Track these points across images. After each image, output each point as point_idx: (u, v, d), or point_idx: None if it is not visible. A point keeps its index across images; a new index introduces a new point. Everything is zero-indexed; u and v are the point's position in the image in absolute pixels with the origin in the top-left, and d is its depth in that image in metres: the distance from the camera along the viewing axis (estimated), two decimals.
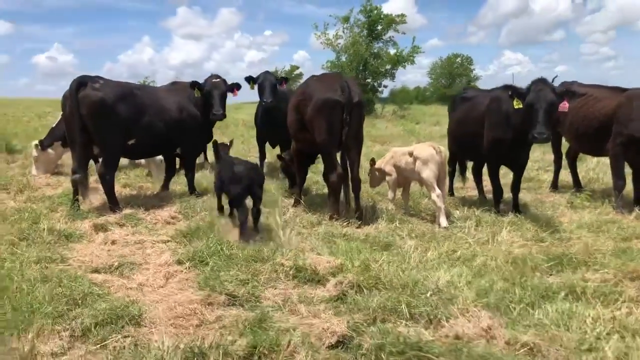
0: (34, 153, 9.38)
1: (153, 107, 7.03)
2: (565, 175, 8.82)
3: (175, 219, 6.41)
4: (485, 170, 7.43)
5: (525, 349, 3.22)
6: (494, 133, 6.54)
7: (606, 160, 7.80)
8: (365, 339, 3.28)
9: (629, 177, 7.20)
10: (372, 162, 7.12)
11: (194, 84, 7.50)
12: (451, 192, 8.05)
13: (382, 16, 27.31)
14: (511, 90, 6.12)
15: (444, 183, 6.63)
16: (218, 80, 7.55)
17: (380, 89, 28.87)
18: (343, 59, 27.59)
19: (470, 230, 5.90)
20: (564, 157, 8.66)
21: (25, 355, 3.12)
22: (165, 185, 7.97)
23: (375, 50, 27.61)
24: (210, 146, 8.45)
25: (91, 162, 7.94)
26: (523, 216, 6.41)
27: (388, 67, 27.82)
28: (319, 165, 8.37)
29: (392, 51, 27.89)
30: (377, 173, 7.12)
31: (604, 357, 3.13)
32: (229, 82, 7.86)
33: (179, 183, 8.18)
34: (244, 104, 29.14)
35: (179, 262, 4.82)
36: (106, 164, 6.71)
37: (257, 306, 3.88)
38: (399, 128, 19.61)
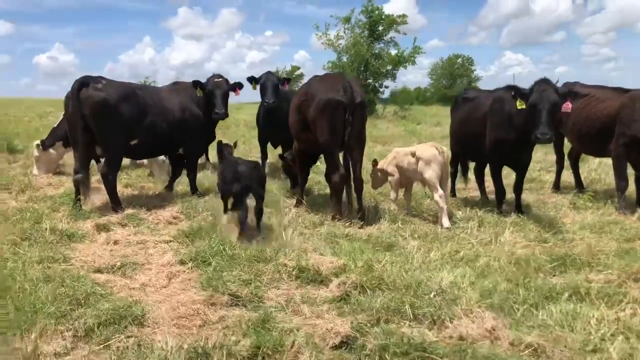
0: (35, 153, 9.38)
1: (155, 107, 7.03)
2: (567, 176, 8.82)
3: (177, 219, 6.40)
4: (487, 170, 7.42)
5: (530, 349, 3.21)
6: (496, 133, 6.54)
7: (608, 160, 7.79)
8: (369, 340, 3.27)
9: (631, 177, 7.18)
10: (375, 163, 7.11)
11: (196, 83, 7.50)
12: (453, 192, 8.03)
13: (383, 17, 27.32)
14: (514, 91, 6.11)
15: (446, 184, 6.63)
16: (220, 79, 7.55)
17: (381, 90, 28.93)
18: (344, 59, 27.60)
19: (473, 230, 5.89)
20: (566, 157, 8.66)
21: (28, 356, 3.11)
22: (170, 186, 7.96)
23: (377, 51, 27.62)
24: (211, 146, 8.47)
25: (92, 162, 7.94)
26: (526, 217, 6.40)
27: (389, 67, 27.84)
28: (320, 166, 8.38)
29: (393, 52, 27.94)
30: (379, 174, 7.11)
31: (609, 358, 3.12)
32: (230, 82, 7.87)
33: (180, 183, 8.18)
34: (244, 104, 29.13)
35: (182, 263, 4.81)
36: (109, 164, 6.71)
37: (260, 306, 3.88)
38: (400, 128, 19.60)
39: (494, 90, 7.11)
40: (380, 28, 27.63)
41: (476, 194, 8.06)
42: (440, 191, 6.20)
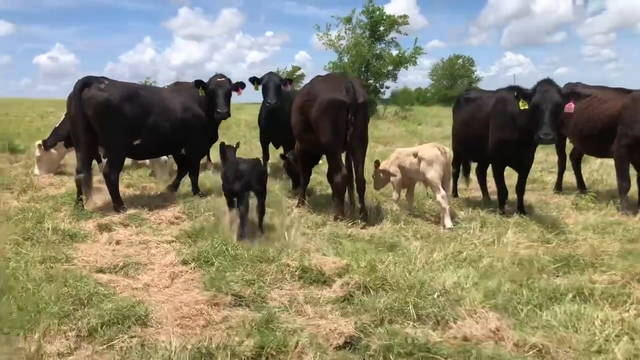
0: (37, 153, 9.38)
1: (158, 107, 7.03)
2: (569, 177, 8.81)
3: (179, 219, 6.40)
4: (489, 171, 7.41)
5: (534, 350, 3.20)
6: (499, 134, 6.53)
7: (609, 161, 7.79)
8: (373, 340, 3.27)
9: (633, 178, 7.18)
10: (377, 164, 7.10)
11: (199, 83, 7.48)
12: (455, 193, 8.03)
13: (384, 17, 27.31)
14: (517, 91, 6.10)
15: (449, 184, 6.62)
16: (223, 79, 7.54)
17: (382, 90, 28.90)
18: (345, 59, 27.58)
19: (476, 231, 5.88)
20: (567, 158, 8.65)
21: (31, 356, 3.11)
22: (175, 186, 7.94)
23: (378, 51, 27.60)
24: (212, 147, 8.47)
25: (94, 162, 7.93)
26: (528, 217, 6.40)
27: (390, 68, 27.81)
28: (322, 167, 8.37)
29: (394, 52, 27.93)
30: (381, 175, 7.10)
31: (614, 358, 3.12)
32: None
33: (182, 183, 8.16)
34: (245, 105, 29.10)
35: (184, 263, 4.80)
36: (111, 164, 6.72)
37: (263, 307, 3.87)
38: (401, 129, 19.60)
39: (497, 91, 7.10)
40: (382, 28, 27.60)
41: (478, 194, 8.05)
42: (443, 192, 6.19)
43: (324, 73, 7.69)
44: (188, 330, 3.51)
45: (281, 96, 8.57)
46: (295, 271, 4.44)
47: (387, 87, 29.15)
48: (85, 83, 6.42)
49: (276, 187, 7.97)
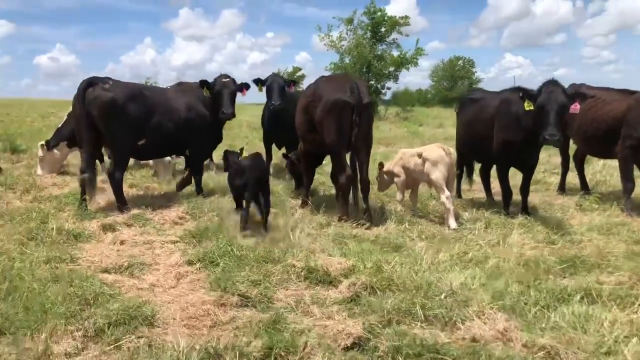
0: (40, 153, 9.37)
1: (162, 108, 7.02)
2: (572, 178, 8.79)
3: (183, 219, 6.38)
4: (493, 172, 7.40)
5: (543, 351, 3.19)
6: (504, 135, 6.52)
7: (612, 162, 7.78)
8: (381, 341, 3.25)
9: (637, 179, 7.17)
10: (381, 165, 7.09)
11: (203, 83, 7.45)
12: (459, 194, 8.01)
13: (385, 18, 27.31)
14: (522, 92, 6.09)
15: (452, 185, 6.61)
16: (228, 79, 7.51)
17: (383, 91, 28.91)
18: (347, 60, 27.60)
19: (480, 232, 5.88)
20: (571, 159, 8.63)
21: (38, 356, 3.10)
22: (182, 185, 7.91)
23: (379, 52, 27.60)
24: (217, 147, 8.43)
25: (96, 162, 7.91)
26: (533, 218, 6.39)
27: (391, 69, 27.81)
28: (326, 167, 8.35)
29: (395, 53, 27.93)
30: (385, 177, 7.08)
31: None
32: None
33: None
34: (247, 105, 29.10)
35: (189, 263, 4.79)
36: (116, 163, 6.71)
37: (270, 307, 3.86)
38: (402, 130, 19.59)
39: (501, 92, 7.09)
40: (383, 29, 27.62)
41: (482, 195, 8.05)
42: (447, 192, 6.19)
43: (325, 74, 7.62)
44: (195, 330, 3.50)
45: (285, 98, 8.57)
46: (301, 272, 4.43)
47: (389, 88, 29.24)
48: (90, 83, 6.42)
49: (279, 187, 7.96)
